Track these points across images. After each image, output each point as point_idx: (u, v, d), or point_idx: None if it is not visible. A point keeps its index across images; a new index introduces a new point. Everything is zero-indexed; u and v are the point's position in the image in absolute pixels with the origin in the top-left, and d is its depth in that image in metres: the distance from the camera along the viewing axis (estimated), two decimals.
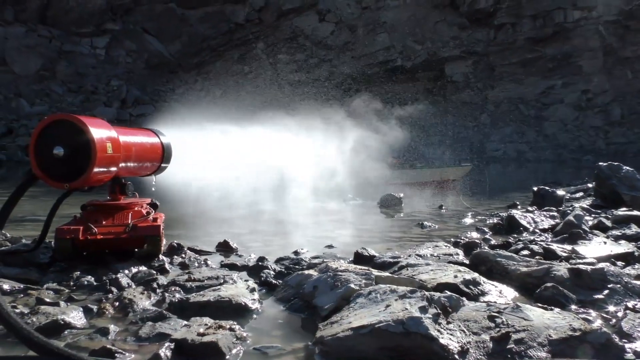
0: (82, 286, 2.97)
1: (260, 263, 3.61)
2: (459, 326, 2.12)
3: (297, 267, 3.51)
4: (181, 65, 35.60)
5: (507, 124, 34.11)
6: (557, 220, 5.51)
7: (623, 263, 3.49)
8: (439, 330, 2.02)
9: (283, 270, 3.46)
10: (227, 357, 2.08)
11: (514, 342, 2.03)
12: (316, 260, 3.68)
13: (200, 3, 35.71)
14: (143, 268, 3.34)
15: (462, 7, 35.99)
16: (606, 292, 2.76)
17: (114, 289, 2.90)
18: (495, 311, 2.24)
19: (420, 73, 37.12)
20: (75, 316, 2.43)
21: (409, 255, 3.85)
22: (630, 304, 2.63)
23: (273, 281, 3.19)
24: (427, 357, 1.95)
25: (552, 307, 2.40)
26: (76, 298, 2.78)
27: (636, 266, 3.32)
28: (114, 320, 2.48)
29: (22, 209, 6.28)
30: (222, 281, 3.04)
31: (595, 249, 3.83)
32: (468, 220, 6.52)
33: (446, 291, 2.51)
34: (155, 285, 2.98)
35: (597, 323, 2.38)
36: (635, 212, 5.28)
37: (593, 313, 2.59)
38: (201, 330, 2.19)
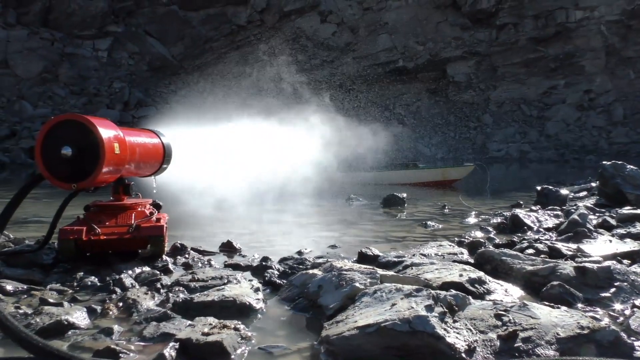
0: (85, 287, 2.96)
1: (264, 263, 3.60)
2: (466, 325, 2.10)
3: (301, 266, 3.49)
4: (183, 67, 35.69)
5: (509, 124, 34.09)
6: (561, 220, 5.49)
7: (629, 261, 3.47)
8: (445, 329, 2.00)
9: (287, 270, 3.45)
10: (232, 356, 2.06)
11: (522, 340, 2.01)
12: (320, 260, 3.67)
13: (202, 5, 35.81)
14: (147, 268, 3.33)
15: (464, 7, 36.00)
16: (613, 290, 2.74)
17: (117, 290, 2.89)
18: (502, 309, 2.22)
19: (422, 74, 37.15)
20: (79, 316, 2.42)
21: (414, 255, 3.83)
22: (637, 302, 2.61)
23: (277, 281, 3.18)
24: (434, 356, 1.93)
25: (559, 306, 2.38)
26: (80, 299, 2.77)
27: None
28: (117, 321, 2.47)
29: (26, 210, 6.30)
30: (226, 281, 3.03)
31: (601, 248, 3.80)
32: (471, 219, 6.50)
33: (452, 290, 2.49)
34: (159, 285, 2.96)
35: (605, 321, 2.36)
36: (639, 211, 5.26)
37: (600, 311, 2.56)
38: (206, 330, 2.17)
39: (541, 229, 5.22)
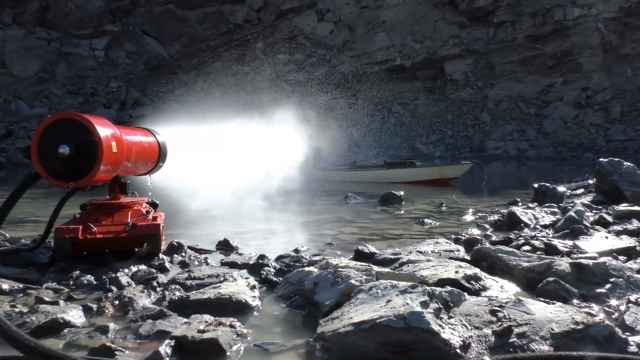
0: (81, 285, 2.96)
1: (260, 261, 3.60)
2: (461, 321, 2.10)
3: (297, 264, 3.50)
4: (180, 66, 35.63)
5: (507, 122, 34.12)
6: (558, 217, 5.50)
7: (625, 257, 3.48)
8: (440, 325, 2.01)
9: (283, 267, 3.45)
10: (228, 353, 2.06)
11: (516, 335, 2.01)
12: (316, 258, 3.67)
13: (199, 4, 35.75)
14: (143, 267, 3.33)
15: (462, 5, 36.00)
16: (608, 286, 2.75)
17: (113, 288, 2.88)
18: (497, 305, 2.22)
19: (420, 72, 37.14)
20: (75, 315, 2.42)
21: (410, 252, 3.84)
22: (632, 298, 2.62)
23: (273, 278, 3.18)
24: (429, 352, 1.94)
25: (554, 302, 2.39)
26: (76, 297, 2.77)
27: (638, 260, 3.31)
28: (113, 319, 2.47)
29: (22, 210, 6.28)
30: (222, 279, 3.03)
31: (597, 244, 3.81)
32: (468, 217, 6.51)
33: (447, 286, 2.49)
34: (155, 283, 2.97)
35: (600, 317, 2.37)
36: (636, 208, 5.26)
37: (595, 307, 2.57)
38: (201, 327, 2.18)
39: (538, 226, 5.23)
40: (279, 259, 3.73)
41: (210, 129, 6.40)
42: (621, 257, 3.46)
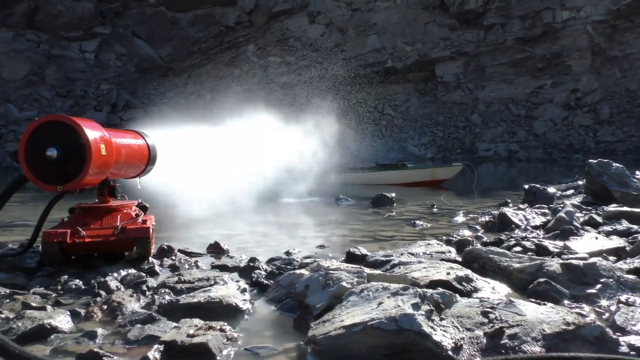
0: (69, 290, 2.92)
1: (251, 264, 3.58)
2: (453, 322, 2.09)
3: (288, 267, 3.48)
4: (172, 69, 35.46)
5: (497, 124, 34.29)
6: (549, 218, 5.52)
7: (615, 258, 3.50)
8: (432, 327, 2.00)
9: (274, 270, 3.43)
10: (218, 358, 2.04)
11: (508, 337, 2.01)
12: (308, 260, 3.65)
13: (190, 6, 35.60)
14: (132, 271, 3.29)
15: (452, 8, 36.18)
16: (599, 286, 2.76)
17: (102, 293, 2.85)
18: (489, 307, 2.22)
19: (411, 74, 37.25)
20: (62, 320, 2.38)
21: (401, 254, 3.83)
22: (623, 298, 2.63)
23: (264, 281, 3.16)
24: (421, 354, 1.93)
25: (546, 302, 2.39)
26: (64, 302, 2.73)
27: (628, 260, 3.32)
28: (102, 324, 2.44)
29: (10, 213, 6.20)
30: (212, 282, 3.00)
31: (587, 245, 3.83)
32: (460, 218, 6.52)
33: (439, 288, 2.49)
34: (144, 287, 2.93)
35: (591, 317, 2.37)
36: (625, 208, 5.30)
37: (586, 307, 2.58)
38: (191, 331, 2.15)
39: (529, 227, 5.25)
40: (270, 261, 3.71)
41: (201, 131, 6.37)
42: (611, 258, 3.48)
